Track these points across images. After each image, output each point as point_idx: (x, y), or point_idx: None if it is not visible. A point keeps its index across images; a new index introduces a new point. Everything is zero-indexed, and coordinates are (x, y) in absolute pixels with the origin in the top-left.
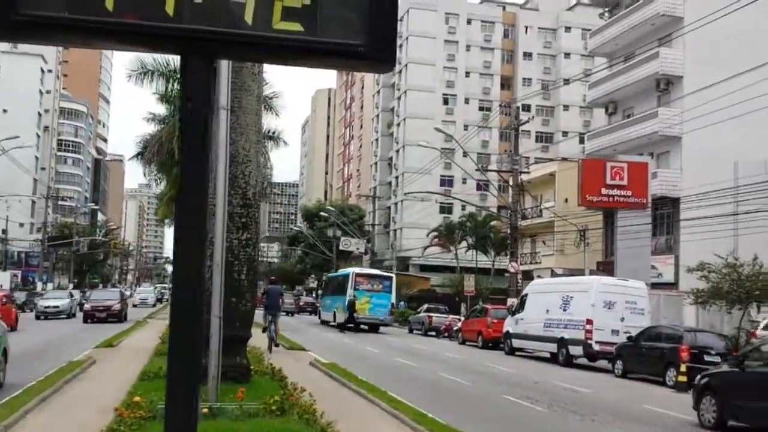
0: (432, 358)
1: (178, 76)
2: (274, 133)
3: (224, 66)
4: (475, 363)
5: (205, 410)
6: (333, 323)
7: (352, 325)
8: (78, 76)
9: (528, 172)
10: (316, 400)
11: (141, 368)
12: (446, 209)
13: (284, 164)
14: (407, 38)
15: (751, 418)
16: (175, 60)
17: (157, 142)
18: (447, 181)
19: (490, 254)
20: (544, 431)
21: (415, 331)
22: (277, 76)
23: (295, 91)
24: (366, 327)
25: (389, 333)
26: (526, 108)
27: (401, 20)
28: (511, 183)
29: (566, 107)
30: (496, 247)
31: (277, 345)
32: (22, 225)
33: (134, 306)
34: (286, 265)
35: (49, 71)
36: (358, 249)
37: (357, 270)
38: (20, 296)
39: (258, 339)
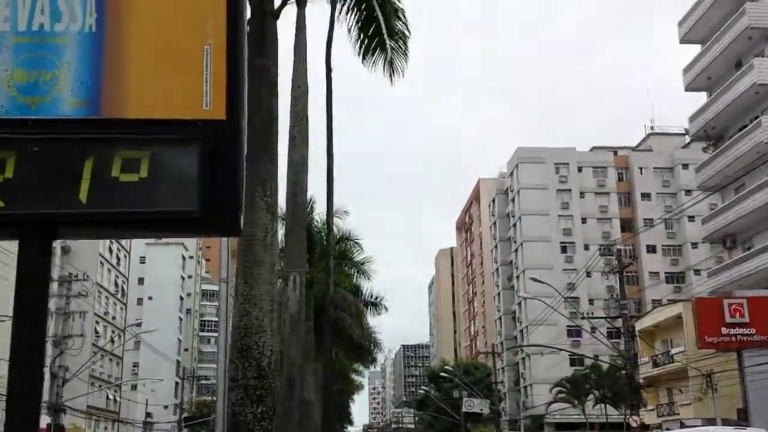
0: None
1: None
2: (375, 298)
3: (224, 242)
4: None
5: None
6: None
7: None
8: (217, 259)
9: (637, 317)
10: None
11: None
12: (577, 361)
13: (415, 325)
14: (518, 191)
15: None
16: None
17: None
18: (574, 332)
19: (620, 407)
20: None
21: None
22: (395, 233)
23: (420, 250)
24: None
25: None
26: (651, 249)
27: (511, 175)
28: (621, 329)
29: (694, 244)
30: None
31: None
32: (166, 407)
33: None
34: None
35: (190, 257)
36: (482, 409)
37: None
38: None
39: None
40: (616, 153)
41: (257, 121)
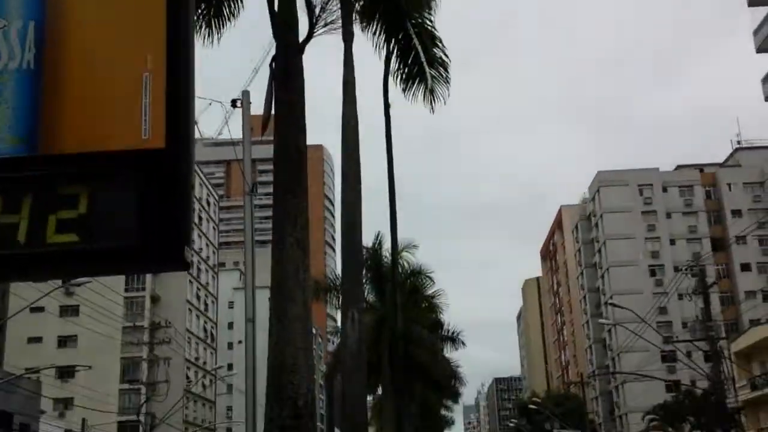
0: None
1: None
2: (453, 333)
3: (249, 281)
4: None
5: None
6: None
7: None
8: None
9: (725, 338)
10: None
11: None
12: (673, 387)
13: (507, 358)
14: (601, 216)
15: None
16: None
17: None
18: (669, 357)
19: None
20: None
21: None
22: (483, 264)
23: (509, 282)
24: None
25: None
26: (746, 267)
27: (593, 199)
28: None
29: None
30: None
31: None
32: None
33: None
34: None
35: None
36: None
37: None
38: None
39: None
40: (702, 170)
41: (283, 156)
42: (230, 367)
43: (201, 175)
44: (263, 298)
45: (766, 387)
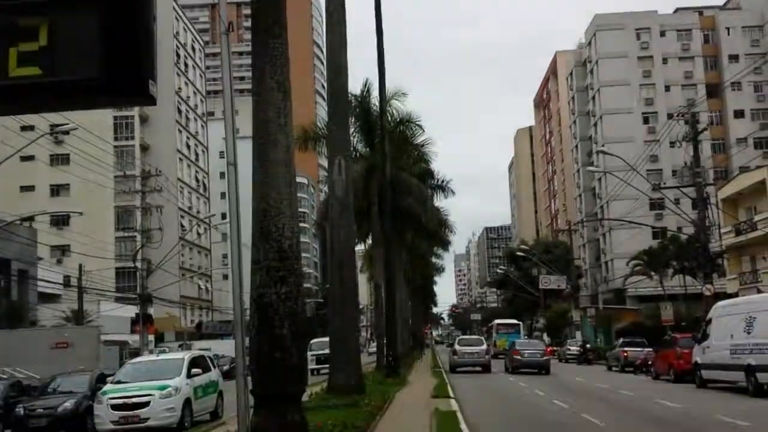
0: (597, 397)
1: None
2: (442, 182)
3: (229, 122)
4: (643, 400)
5: None
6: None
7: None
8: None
9: (713, 184)
10: None
11: None
12: (660, 234)
13: (499, 207)
14: (597, 62)
15: None
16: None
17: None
18: (657, 205)
19: (699, 278)
20: None
21: (613, 368)
22: (474, 112)
23: (497, 133)
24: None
25: (577, 372)
26: (739, 114)
27: (589, 45)
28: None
29: None
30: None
31: None
32: None
33: None
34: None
35: None
36: (559, 285)
37: (498, 321)
38: None
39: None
40: (701, 13)
41: None
42: (224, 216)
43: (185, 19)
44: (249, 148)
45: (750, 232)
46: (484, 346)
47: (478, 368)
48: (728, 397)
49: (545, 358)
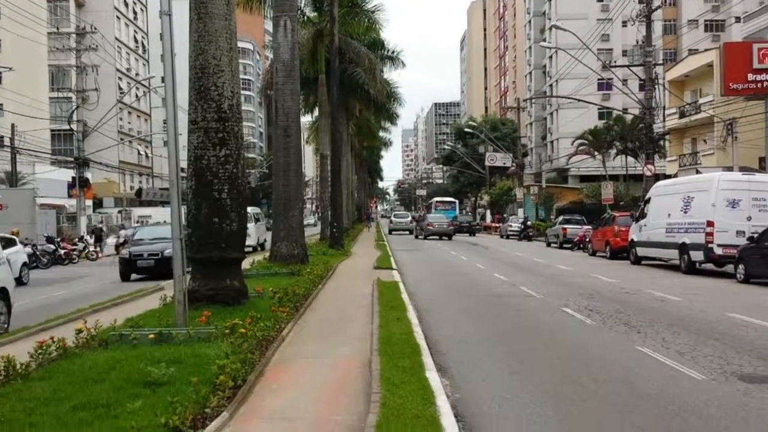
0: (535, 272)
1: None
2: (392, 52)
3: None
4: (579, 274)
5: (152, 336)
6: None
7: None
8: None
9: (661, 64)
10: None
11: None
12: (606, 115)
13: (449, 84)
14: None
15: None
16: None
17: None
18: (605, 85)
19: (641, 159)
20: (563, 344)
21: (552, 245)
22: None
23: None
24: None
25: (517, 248)
26: None
27: None
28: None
29: None
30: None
31: None
32: None
33: None
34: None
35: None
36: (504, 163)
37: (437, 198)
38: None
39: None
40: None
41: None
42: (163, 80)
43: None
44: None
45: (693, 115)
46: (409, 218)
47: (406, 232)
48: (661, 273)
49: (450, 227)
